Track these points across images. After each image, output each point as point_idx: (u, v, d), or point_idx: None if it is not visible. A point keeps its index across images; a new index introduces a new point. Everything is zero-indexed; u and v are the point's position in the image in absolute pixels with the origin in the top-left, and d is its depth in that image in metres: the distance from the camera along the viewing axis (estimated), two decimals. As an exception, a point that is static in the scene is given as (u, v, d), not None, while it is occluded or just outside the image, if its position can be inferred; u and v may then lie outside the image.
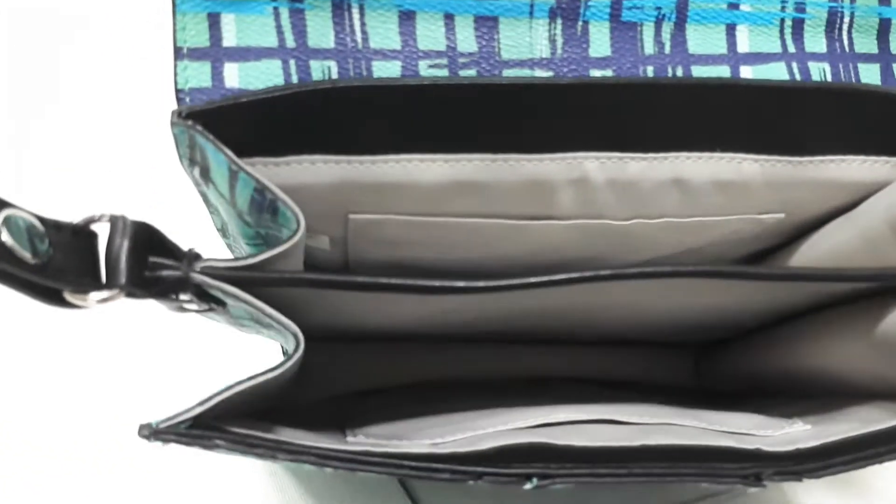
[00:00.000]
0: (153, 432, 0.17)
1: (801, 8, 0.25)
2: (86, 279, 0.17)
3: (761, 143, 0.25)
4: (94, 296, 0.17)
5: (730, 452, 0.23)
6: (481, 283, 0.21)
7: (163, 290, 0.18)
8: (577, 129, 0.24)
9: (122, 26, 0.44)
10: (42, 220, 0.16)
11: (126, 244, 0.17)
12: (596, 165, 0.25)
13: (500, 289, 0.20)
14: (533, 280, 0.21)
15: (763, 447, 0.23)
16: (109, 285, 0.17)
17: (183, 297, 0.18)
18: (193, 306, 0.19)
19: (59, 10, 0.45)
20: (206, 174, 0.21)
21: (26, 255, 0.16)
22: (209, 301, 0.19)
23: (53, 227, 0.17)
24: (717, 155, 0.25)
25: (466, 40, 0.24)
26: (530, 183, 0.25)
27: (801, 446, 0.23)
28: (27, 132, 0.43)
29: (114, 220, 0.17)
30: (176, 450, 0.18)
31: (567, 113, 0.24)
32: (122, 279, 0.17)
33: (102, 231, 0.18)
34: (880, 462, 0.23)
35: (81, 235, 0.17)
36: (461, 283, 0.20)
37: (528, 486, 0.20)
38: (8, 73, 0.44)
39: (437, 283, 0.20)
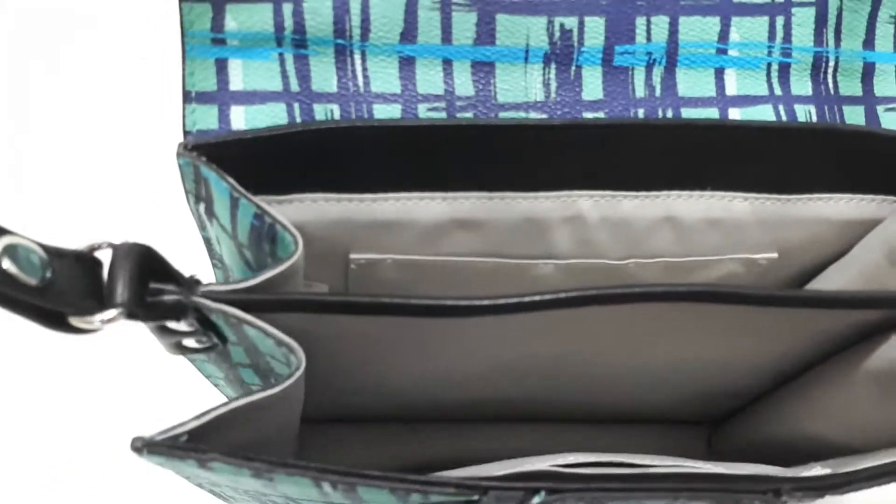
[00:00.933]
0: (146, 444, 0.17)
1: (787, 52, 0.26)
2: (88, 302, 0.17)
3: (750, 182, 0.26)
4: (97, 317, 0.17)
5: (747, 478, 0.23)
6: (486, 302, 0.20)
7: (163, 312, 0.18)
8: (571, 169, 0.25)
9: (122, 26, 0.45)
10: (44, 247, 0.17)
11: (128, 267, 0.18)
12: (590, 204, 0.26)
13: (505, 308, 0.20)
14: (538, 298, 0.20)
15: (781, 474, 0.23)
16: (110, 305, 0.17)
17: (183, 325, 0.19)
18: (193, 341, 0.20)
19: (60, 11, 0.46)
20: (209, 209, 0.22)
21: (29, 280, 0.16)
22: (209, 331, 0.20)
23: (55, 255, 0.17)
24: (707, 193, 0.26)
25: (464, 85, 0.25)
26: (526, 221, 0.26)
27: (820, 473, 0.23)
28: (27, 134, 0.44)
29: (116, 247, 0.18)
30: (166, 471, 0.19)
31: (560, 152, 0.25)
32: (124, 299, 0.17)
33: (105, 257, 0.18)
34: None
35: (84, 261, 0.18)
36: (465, 302, 0.20)
37: (535, 500, 0.19)
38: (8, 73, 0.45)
39: (441, 301, 0.20)
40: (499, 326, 0.22)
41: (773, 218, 0.26)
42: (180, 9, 0.21)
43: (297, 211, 0.23)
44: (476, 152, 0.24)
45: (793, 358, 0.29)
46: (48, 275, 0.17)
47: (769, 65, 0.26)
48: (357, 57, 0.24)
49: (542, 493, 0.19)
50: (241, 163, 0.21)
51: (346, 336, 0.22)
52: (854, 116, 0.27)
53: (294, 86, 0.23)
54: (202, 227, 0.24)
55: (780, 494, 0.21)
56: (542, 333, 0.25)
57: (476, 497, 0.19)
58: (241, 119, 0.23)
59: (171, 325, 0.19)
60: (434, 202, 0.25)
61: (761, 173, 0.26)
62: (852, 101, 0.27)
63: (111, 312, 0.17)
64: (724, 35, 0.25)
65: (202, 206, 0.22)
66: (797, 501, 0.21)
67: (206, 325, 0.19)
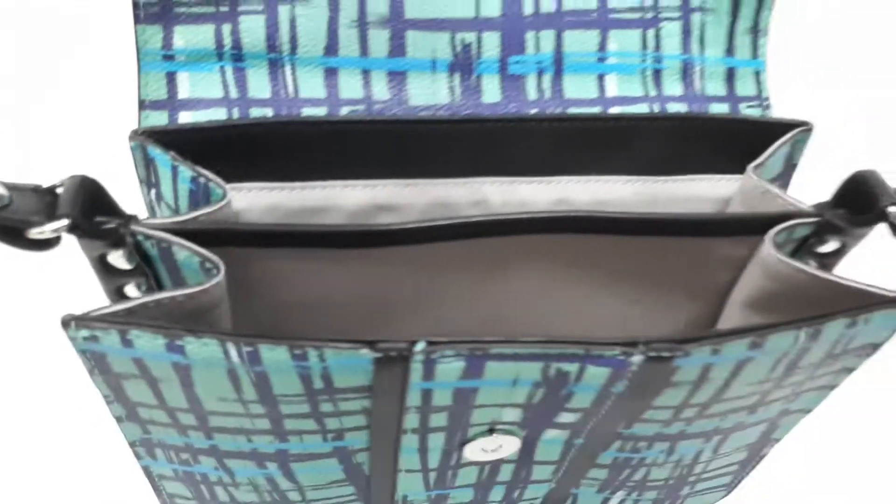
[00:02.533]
0: (74, 318, 0.21)
1: (658, 60, 0.31)
2: (41, 217, 0.22)
3: (629, 167, 0.30)
4: (47, 227, 0.22)
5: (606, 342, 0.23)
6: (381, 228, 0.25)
7: (104, 233, 0.23)
8: (475, 158, 0.30)
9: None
10: (4, 183, 0.22)
11: (77, 190, 0.22)
12: (493, 189, 0.30)
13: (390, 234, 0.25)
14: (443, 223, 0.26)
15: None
16: (59, 216, 0.22)
17: (121, 259, 0.23)
18: (133, 286, 0.24)
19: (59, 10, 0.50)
20: (158, 192, 0.26)
21: None
22: (146, 268, 0.24)
23: (14, 188, 0.22)
24: (593, 178, 0.30)
25: (381, 91, 0.29)
26: (439, 205, 0.30)
27: None
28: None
29: (69, 178, 0.23)
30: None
31: (465, 144, 0.29)
32: (70, 211, 0.22)
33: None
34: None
35: (40, 192, 0.22)
36: (364, 229, 0.25)
37: (418, 347, 0.22)
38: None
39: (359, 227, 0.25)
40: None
41: (652, 197, 0.31)
42: (135, 31, 0.26)
43: (234, 200, 0.27)
44: (392, 145, 0.29)
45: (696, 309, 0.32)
46: (6, 201, 0.22)
47: (644, 70, 0.31)
48: (287, 68, 0.28)
49: (423, 344, 0.22)
50: (182, 152, 0.25)
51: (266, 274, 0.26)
52: (720, 112, 0.31)
53: (234, 93, 0.28)
54: (153, 216, 0.28)
55: (633, 354, 0.23)
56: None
57: (364, 351, 0.22)
58: (189, 122, 0.27)
59: (111, 258, 0.24)
60: (356, 189, 0.29)
61: (638, 158, 0.30)
62: (718, 99, 0.31)
63: (60, 222, 0.22)
64: (602, 45, 0.30)
65: (153, 192, 0.26)
66: (649, 363, 0.23)
67: (142, 258, 0.24)
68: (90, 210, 0.23)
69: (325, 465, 0.29)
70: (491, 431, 0.28)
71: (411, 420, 0.26)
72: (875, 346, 0.27)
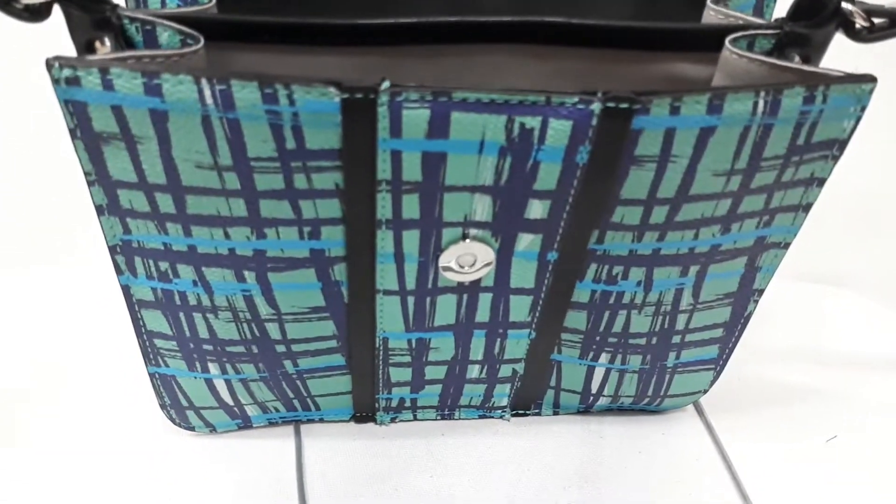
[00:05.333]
0: (58, 58, 0.22)
1: None
2: None
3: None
4: None
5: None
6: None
7: (91, 5, 0.24)
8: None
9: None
10: None
11: None
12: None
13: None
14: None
15: None
16: None
17: (107, 47, 0.25)
18: (108, 50, 0.26)
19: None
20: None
21: None
22: (126, 44, 0.26)
23: None
24: None
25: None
26: None
27: None
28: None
29: None
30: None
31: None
32: None
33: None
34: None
35: None
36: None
37: (383, 87, 0.23)
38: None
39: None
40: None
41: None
42: None
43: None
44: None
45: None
46: None
47: None
48: None
49: (387, 83, 0.23)
50: None
51: None
52: None
53: None
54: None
55: (592, 102, 0.24)
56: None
57: (332, 90, 0.23)
58: None
59: (98, 47, 0.25)
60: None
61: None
62: None
63: None
64: None
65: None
66: (609, 118, 0.24)
67: (127, 45, 0.25)
68: None
69: (302, 278, 0.29)
70: (464, 237, 0.28)
71: (384, 202, 0.26)
72: (840, 145, 0.27)
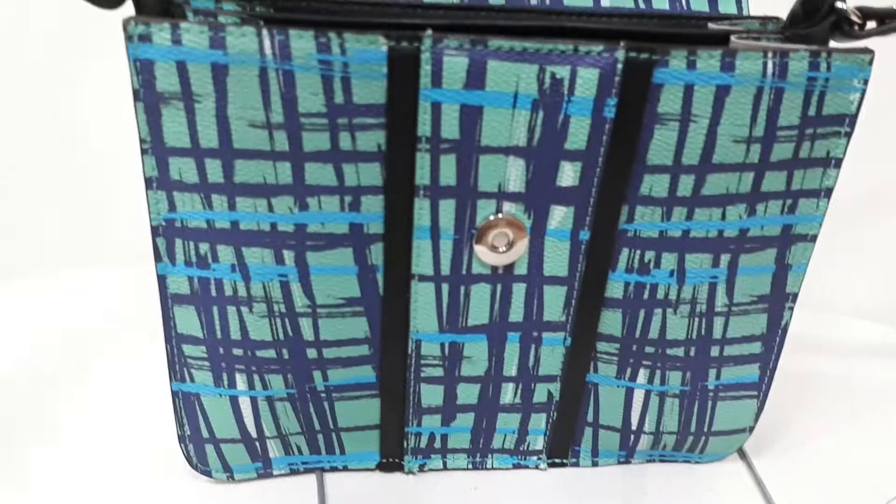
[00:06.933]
0: (134, 17, 0.25)
1: None
2: None
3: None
4: None
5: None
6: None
7: None
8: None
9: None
10: None
11: None
12: None
13: None
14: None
15: None
16: None
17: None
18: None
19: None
20: None
21: None
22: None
23: None
24: None
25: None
26: None
27: None
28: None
29: None
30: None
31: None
32: None
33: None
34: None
35: None
36: None
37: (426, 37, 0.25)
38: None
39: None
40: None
41: None
42: None
43: None
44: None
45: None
46: None
47: None
48: None
49: (430, 31, 0.25)
50: None
51: None
52: (699, 6, 0.36)
53: None
54: None
55: (616, 50, 0.26)
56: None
57: (381, 39, 0.25)
58: None
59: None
60: None
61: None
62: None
63: None
64: None
65: None
66: (632, 66, 0.26)
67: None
68: None
69: (340, 260, 0.30)
70: (498, 212, 0.29)
71: (422, 164, 0.28)
72: (850, 120, 0.29)
